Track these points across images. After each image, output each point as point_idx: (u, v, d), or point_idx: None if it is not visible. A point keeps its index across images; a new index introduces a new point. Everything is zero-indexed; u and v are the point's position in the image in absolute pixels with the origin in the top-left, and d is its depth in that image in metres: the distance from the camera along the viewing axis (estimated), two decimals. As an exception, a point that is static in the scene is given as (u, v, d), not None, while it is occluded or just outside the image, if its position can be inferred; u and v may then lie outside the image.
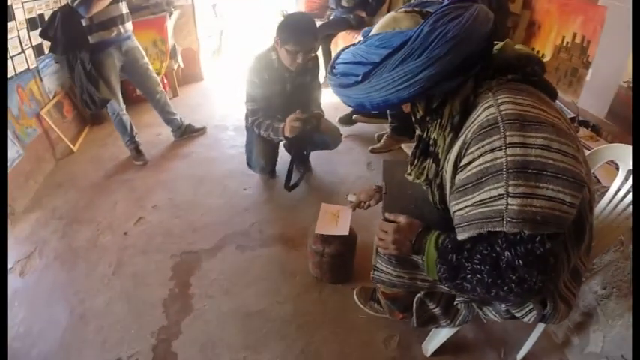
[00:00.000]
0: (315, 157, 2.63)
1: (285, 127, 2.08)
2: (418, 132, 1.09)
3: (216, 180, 2.57)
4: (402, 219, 1.07)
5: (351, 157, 2.79)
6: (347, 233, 1.61)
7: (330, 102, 3.30)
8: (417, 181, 1.11)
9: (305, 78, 2.24)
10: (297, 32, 1.95)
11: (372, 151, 2.72)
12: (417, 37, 0.83)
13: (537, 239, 0.77)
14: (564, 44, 1.84)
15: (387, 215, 1.13)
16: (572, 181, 0.76)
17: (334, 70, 1.00)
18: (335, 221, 1.64)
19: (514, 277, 0.80)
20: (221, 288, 1.82)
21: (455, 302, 1.20)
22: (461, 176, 0.88)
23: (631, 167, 1.25)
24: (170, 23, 3.37)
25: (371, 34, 0.98)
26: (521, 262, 0.79)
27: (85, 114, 3.22)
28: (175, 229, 2.17)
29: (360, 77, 0.90)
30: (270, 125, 2.16)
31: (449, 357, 1.54)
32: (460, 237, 0.89)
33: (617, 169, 1.30)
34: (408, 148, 2.29)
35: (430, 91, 0.88)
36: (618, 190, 1.30)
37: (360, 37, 3.42)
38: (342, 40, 3.59)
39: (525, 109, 0.80)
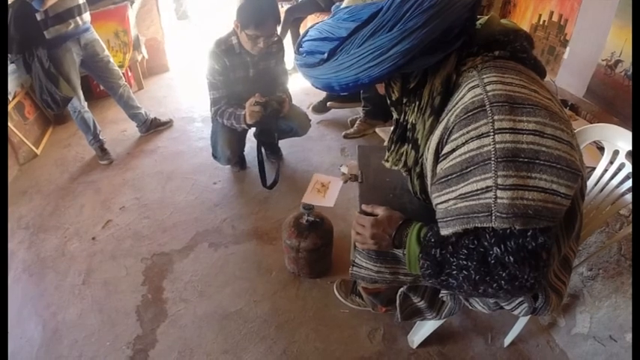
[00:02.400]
0: (287, 146, 2.47)
1: (245, 114, 1.90)
2: (395, 115, 0.94)
3: (185, 175, 2.38)
4: (379, 211, 0.94)
5: (323, 143, 2.62)
6: (332, 205, 1.46)
7: (301, 88, 3.15)
8: (395, 168, 0.97)
9: (269, 62, 2.05)
10: (258, 15, 1.76)
11: (346, 137, 2.55)
12: (389, 7, 0.69)
13: (529, 233, 0.67)
14: (541, 22, 1.73)
15: (363, 207, 0.99)
16: (567, 170, 0.65)
17: (300, 49, 0.85)
18: (324, 192, 1.50)
19: (504, 275, 0.70)
20: (195, 290, 1.67)
21: (440, 295, 1.09)
22: (443, 165, 0.75)
23: (617, 148, 1.16)
24: (132, 13, 3.07)
25: (341, 7, 0.84)
26: (511, 258, 0.68)
27: (47, 114, 2.93)
28: (144, 230, 1.98)
29: (325, 55, 0.76)
30: (232, 113, 1.97)
31: (435, 347, 1.45)
32: (444, 232, 0.77)
33: (599, 149, 1.19)
34: (382, 132, 2.14)
35: (405, 69, 0.73)
36: (604, 171, 1.20)
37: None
38: (311, 24, 3.35)
39: (515, 89, 0.68)
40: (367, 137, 2.59)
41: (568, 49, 1.59)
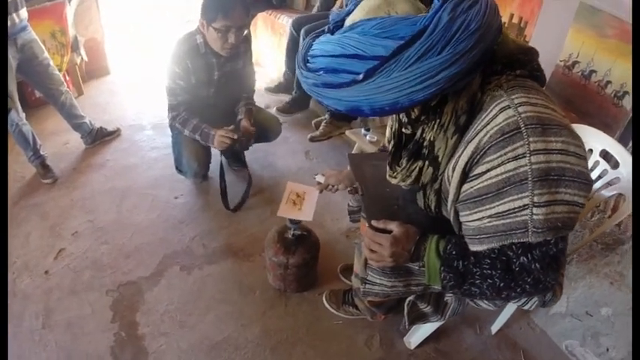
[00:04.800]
0: (249, 151, 2.27)
1: (215, 138, 1.75)
2: (406, 131, 0.89)
3: (142, 190, 2.12)
4: (393, 227, 0.89)
5: (287, 146, 2.49)
6: (311, 219, 1.38)
7: (258, 86, 2.94)
8: (402, 184, 0.92)
9: (236, 64, 1.86)
10: (225, 4, 1.56)
11: (312, 140, 2.43)
12: (436, 28, 0.63)
13: (552, 241, 0.71)
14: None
15: (374, 223, 0.93)
16: (586, 183, 0.70)
17: (311, 65, 0.74)
18: (300, 203, 1.40)
19: (529, 280, 0.75)
20: (174, 321, 1.49)
21: (445, 298, 1.11)
22: (474, 185, 0.74)
23: (590, 147, 1.26)
24: (70, 10, 2.63)
25: (355, 18, 0.73)
26: (537, 265, 0.73)
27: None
28: (104, 257, 1.73)
29: (360, 76, 0.66)
30: (197, 127, 1.79)
31: (432, 344, 1.45)
32: (477, 248, 0.79)
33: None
34: (353, 134, 2.04)
35: (446, 91, 0.68)
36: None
37: (283, 17, 2.95)
38: (262, 21, 3.18)
39: (541, 110, 0.70)
40: (332, 139, 2.48)
41: (528, 49, 1.65)
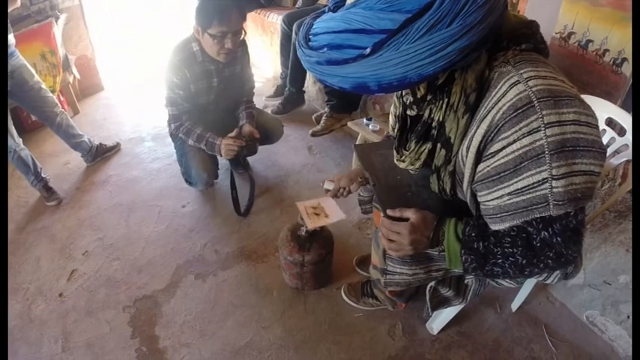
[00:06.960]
0: (250, 153, 2.26)
1: (221, 147, 1.72)
2: (411, 112, 0.87)
3: (148, 203, 2.09)
4: (410, 214, 0.87)
5: (288, 144, 2.46)
6: (344, 216, 1.35)
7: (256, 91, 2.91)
8: (410, 167, 0.91)
9: (235, 69, 1.82)
10: (220, 8, 1.52)
11: (314, 135, 2.39)
12: (444, 0, 0.61)
13: (571, 213, 0.70)
14: (492, 2, 1.74)
15: (389, 212, 0.90)
16: (600, 151, 0.69)
17: (313, 44, 0.72)
18: (322, 212, 1.37)
19: (551, 254, 0.74)
20: (194, 331, 1.46)
21: (465, 280, 1.09)
22: (490, 163, 0.72)
23: (607, 117, 1.23)
24: (58, 30, 2.58)
25: None
26: (559, 239, 0.72)
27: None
28: (117, 274, 1.70)
29: (367, 50, 0.64)
30: (202, 137, 1.76)
31: (454, 328, 1.43)
32: (498, 227, 0.77)
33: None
34: (355, 125, 2.00)
35: (456, 66, 0.67)
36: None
37: (273, 15, 2.91)
38: (252, 22, 3.15)
39: (551, 82, 0.68)
40: (334, 132, 2.44)
41: (522, 24, 1.62)
